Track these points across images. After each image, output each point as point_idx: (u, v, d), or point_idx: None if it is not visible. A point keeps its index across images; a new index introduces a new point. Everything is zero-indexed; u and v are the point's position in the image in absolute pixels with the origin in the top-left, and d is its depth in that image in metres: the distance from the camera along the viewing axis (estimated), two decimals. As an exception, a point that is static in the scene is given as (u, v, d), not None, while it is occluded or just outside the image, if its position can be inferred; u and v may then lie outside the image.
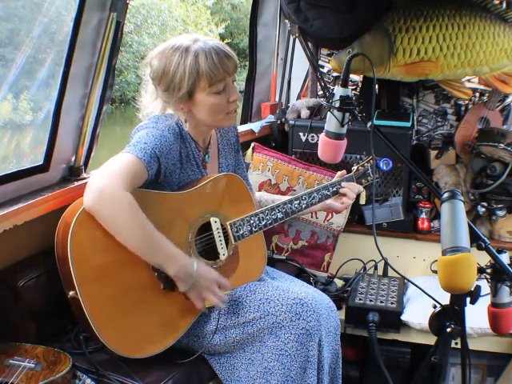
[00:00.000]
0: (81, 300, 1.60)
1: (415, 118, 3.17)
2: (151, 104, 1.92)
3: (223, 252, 1.89)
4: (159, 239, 1.66)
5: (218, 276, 1.78)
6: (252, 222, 1.95)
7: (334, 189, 2.17)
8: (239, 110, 2.11)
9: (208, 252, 1.87)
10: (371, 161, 2.23)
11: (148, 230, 1.64)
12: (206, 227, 1.87)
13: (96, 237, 1.64)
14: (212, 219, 1.87)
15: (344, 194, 2.17)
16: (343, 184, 2.17)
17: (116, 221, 1.61)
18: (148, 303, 1.72)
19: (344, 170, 2.24)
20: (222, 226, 1.90)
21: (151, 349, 1.73)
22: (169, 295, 1.75)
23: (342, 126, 1.86)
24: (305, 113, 3.02)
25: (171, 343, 1.78)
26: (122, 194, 1.60)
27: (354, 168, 2.25)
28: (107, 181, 1.61)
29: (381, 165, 2.37)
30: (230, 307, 1.87)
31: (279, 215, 2.02)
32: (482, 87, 3.04)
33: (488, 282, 1.57)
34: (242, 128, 2.97)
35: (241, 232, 1.92)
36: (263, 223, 1.97)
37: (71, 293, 1.61)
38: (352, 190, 2.17)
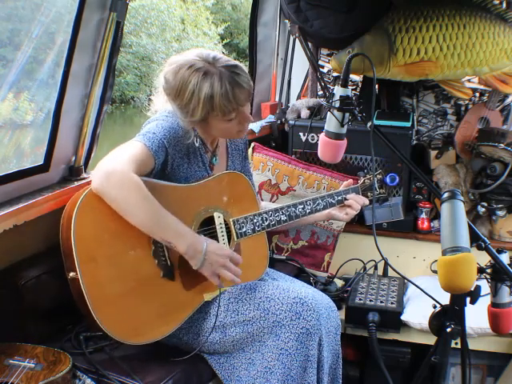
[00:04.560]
0: (80, 279, 1.61)
1: (415, 117, 3.17)
2: (163, 105, 1.92)
3: (225, 247, 1.89)
4: (167, 217, 1.68)
5: (230, 251, 1.80)
6: (255, 221, 1.96)
7: (339, 198, 2.19)
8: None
9: None
10: (378, 175, 2.27)
11: (156, 208, 1.66)
12: (209, 221, 1.88)
13: (100, 219, 1.66)
14: (215, 214, 1.88)
15: (349, 206, 2.19)
16: (349, 196, 2.19)
17: (125, 200, 1.64)
18: (147, 290, 1.73)
19: (351, 180, 2.27)
20: (225, 222, 1.91)
21: (146, 336, 1.74)
22: (168, 284, 1.76)
23: (342, 126, 1.86)
24: (305, 113, 3.02)
25: (167, 333, 1.78)
26: (130, 176, 1.63)
27: (361, 180, 2.27)
28: (115, 164, 1.64)
29: (387, 179, 2.38)
30: (229, 305, 1.87)
31: (283, 217, 2.04)
32: (482, 87, 3.04)
33: (488, 282, 1.57)
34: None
35: (243, 230, 1.93)
36: (266, 223, 1.99)
37: (72, 274, 1.62)
38: (358, 202, 2.19)
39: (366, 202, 2.24)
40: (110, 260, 1.67)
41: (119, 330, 1.68)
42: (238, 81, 1.81)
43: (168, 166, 1.82)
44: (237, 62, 1.87)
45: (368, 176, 2.30)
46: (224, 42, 19.24)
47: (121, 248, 1.69)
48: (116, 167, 1.64)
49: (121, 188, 1.63)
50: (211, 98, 1.78)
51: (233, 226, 1.92)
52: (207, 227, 1.88)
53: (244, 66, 1.88)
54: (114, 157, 1.68)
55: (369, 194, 2.27)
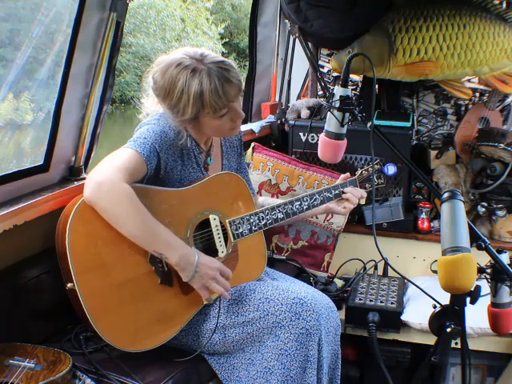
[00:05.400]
0: (78, 291, 1.61)
1: (415, 117, 3.17)
2: (154, 107, 1.92)
3: (222, 249, 1.89)
4: (159, 229, 1.68)
5: (220, 265, 1.79)
6: (252, 220, 1.95)
7: (337, 192, 2.18)
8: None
9: (207, 249, 1.88)
10: (375, 166, 2.24)
11: (147, 219, 1.66)
12: (205, 224, 1.88)
13: (94, 229, 1.65)
14: (211, 216, 1.87)
15: (346, 199, 2.18)
16: (346, 189, 2.18)
17: (115, 211, 1.63)
18: (145, 297, 1.73)
19: (348, 173, 2.25)
20: (221, 223, 1.90)
21: (147, 343, 1.74)
22: (166, 290, 1.76)
23: (342, 126, 1.86)
24: (305, 113, 3.02)
25: (168, 338, 1.78)
26: (122, 186, 1.62)
27: (358, 172, 2.26)
28: (107, 174, 1.63)
29: (385, 169, 2.37)
30: (229, 306, 1.87)
31: (280, 215, 2.03)
32: (482, 87, 3.04)
33: (488, 282, 1.57)
34: (242, 128, 2.96)
35: (240, 230, 1.93)
36: (263, 223, 1.98)
37: (69, 285, 1.62)
38: (355, 195, 2.18)
39: (364, 194, 2.22)
40: (107, 270, 1.67)
41: (120, 339, 1.68)
42: (227, 76, 1.80)
43: (161, 170, 1.81)
44: (225, 58, 1.86)
45: (365, 167, 2.28)
46: (224, 41, 19.24)
47: (117, 257, 1.68)
48: (107, 177, 1.62)
49: (112, 199, 1.62)
50: (201, 94, 1.77)
51: (229, 228, 1.91)
52: (203, 230, 1.87)
53: (233, 62, 1.87)
54: (105, 166, 1.67)
55: (367, 185, 2.25)
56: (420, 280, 2.44)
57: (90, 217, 1.64)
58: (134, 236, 1.66)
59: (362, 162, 2.80)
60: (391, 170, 2.33)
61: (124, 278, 1.69)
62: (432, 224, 2.83)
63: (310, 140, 2.88)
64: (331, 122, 1.87)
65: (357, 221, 2.89)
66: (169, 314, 1.78)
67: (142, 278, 1.72)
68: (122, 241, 1.67)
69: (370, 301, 2.40)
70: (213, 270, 1.75)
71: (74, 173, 2.17)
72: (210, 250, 1.88)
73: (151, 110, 1.93)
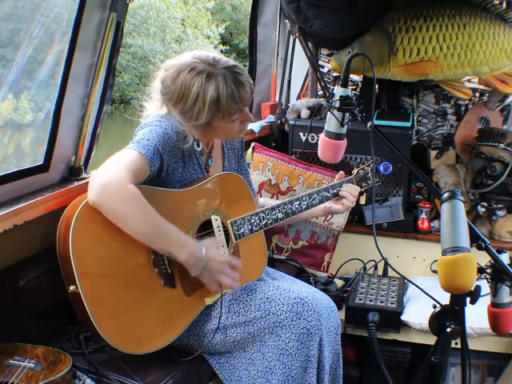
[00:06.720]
0: (81, 294, 1.60)
1: (415, 118, 3.17)
2: (157, 111, 1.91)
3: (224, 250, 1.89)
4: (167, 227, 1.67)
5: (228, 257, 1.80)
6: (253, 221, 1.96)
7: (334, 191, 2.19)
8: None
9: None
10: (371, 164, 2.25)
11: (155, 218, 1.65)
12: (207, 225, 1.88)
13: (97, 231, 1.64)
14: (213, 217, 1.87)
15: (343, 197, 2.19)
16: (343, 188, 2.19)
17: (122, 212, 1.62)
18: (149, 299, 1.73)
19: (342, 172, 2.25)
20: (222, 224, 1.90)
21: (151, 345, 1.73)
22: (170, 292, 1.76)
23: (342, 126, 1.86)
24: (305, 113, 3.02)
25: (171, 340, 1.78)
26: (127, 187, 1.61)
27: (355, 171, 2.27)
28: (111, 175, 1.62)
29: (381, 168, 2.38)
30: (230, 306, 1.87)
31: (279, 215, 2.03)
32: (482, 87, 3.04)
33: (488, 282, 1.57)
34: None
35: (241, 231, 1.93)
36: (264, 223, 1.99)
37: (72, 287, 1.61)
38: (352, 193, 2.19)
39: (358, 190, 2.23)
40: (111, 272, 1.66)
41: (124, 341, 1.68)
42: (242, 81, 1.81)
43: (163, 171, 1.80)
44: (235, 62, 1.87)
45: (361, 166, 2.29)
46: (224, 42, 19.23)
47: (120, 259, 1.68)
48: (112, 178, 1.61)
49: (118, 199, 1.60)
50: (217, 100, 1.77)
51: (230, 228, 1.91)
52: (205, 231, 1.87)
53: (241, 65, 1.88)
54: (109, 167, 1.65)
55: (363, 184, 2.27)
56: (420, 280, 2.44)
57: (92, 220, 1.63)
58: (142, 236, 1.65)
59: (362, 161, 2.80)
60: (387, 168, 2.34)
61: (127, 281, 1.69)
62: (432, 224, 2.83)
63: (310, 140, 2.88)
64: (331, 122, 1.87)
65: (357, 221, 2.89)
66: (172, 315, 1.78)
67: (146, 280, 1.72)
68: (125, 243, 1.66)
69: (370, 301, 2.40)
70: (221, 263, 1.75)
71: (73, 173, 2.16)
72: None
73: (153, 112, 1.92)
